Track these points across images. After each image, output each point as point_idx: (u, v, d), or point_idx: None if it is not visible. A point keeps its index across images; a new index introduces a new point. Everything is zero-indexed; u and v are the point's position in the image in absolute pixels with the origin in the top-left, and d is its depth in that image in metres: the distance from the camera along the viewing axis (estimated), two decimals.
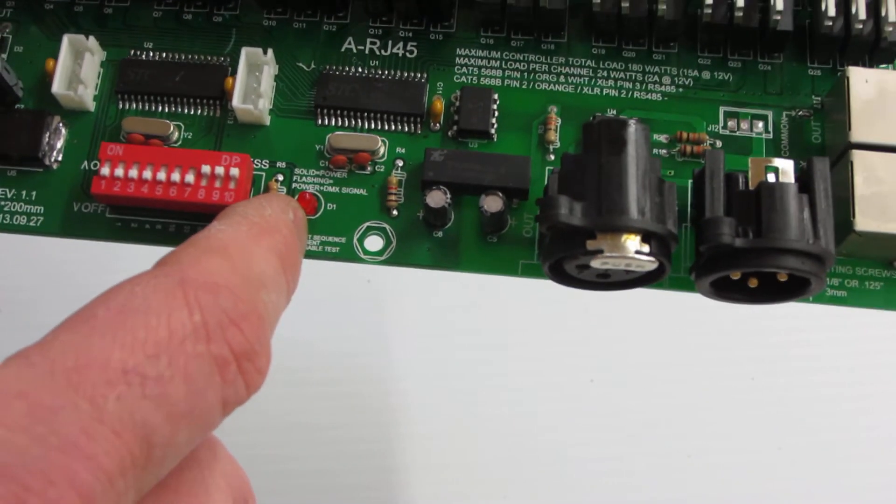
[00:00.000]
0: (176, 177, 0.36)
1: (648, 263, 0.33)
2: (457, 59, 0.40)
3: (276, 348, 0.30)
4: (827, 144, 0.39)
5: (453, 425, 0.60)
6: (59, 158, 0.38)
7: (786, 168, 0.35)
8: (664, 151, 0.38)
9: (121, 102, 0.39)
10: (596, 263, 0.33)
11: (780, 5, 0.37)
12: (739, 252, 0.33)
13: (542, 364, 0.60)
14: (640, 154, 0.33)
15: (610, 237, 0.32)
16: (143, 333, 0.26)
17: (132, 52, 0.40)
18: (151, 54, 0.40)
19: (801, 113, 0.39)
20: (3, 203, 0.38)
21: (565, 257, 0.34)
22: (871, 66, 0.40)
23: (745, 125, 0.39)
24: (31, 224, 0.38)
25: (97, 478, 0.24)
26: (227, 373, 0.27)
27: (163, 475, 0.27)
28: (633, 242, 0.32)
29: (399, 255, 0.37)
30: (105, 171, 0.36)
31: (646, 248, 0.32)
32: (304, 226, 0.36)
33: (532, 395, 0.60)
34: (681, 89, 0.39)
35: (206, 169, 0.36)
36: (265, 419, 0.59)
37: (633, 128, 0.33)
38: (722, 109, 0.39)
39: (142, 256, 0.32)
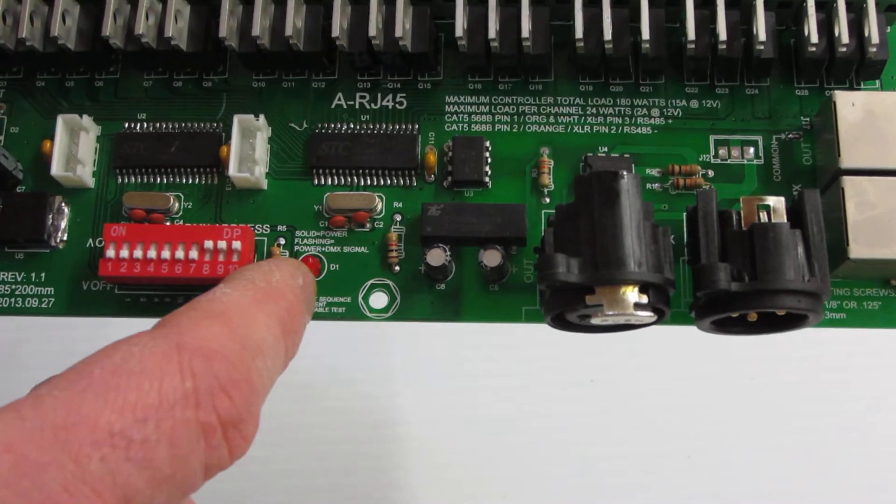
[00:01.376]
0: (180, 254, 0.37)
1: (648, 318, 0.33)
2: (446, 106, 0.40)
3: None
4: (818, 165, 0.39)
5: (453, 425, 0.60)
6: (65, 238, 0.39)
7: (777, 206, 0.35)
8: (657, 185, 0.39)
9: (119, 177, 0.40)
10: (597, 321, 0.33)
11: (762, 35, 0.37)
12: (736, 295, 0.34)
13: (543, 364, 0.61)
14: (633, 204, 0.34)
15: (608, 291, 0.33)
16: (135, 396, 0.27)
17: (126, 124, 0.40)
18: (145, 125, 0.40)
19: (790, 135, 0.39)
20: (14, 287, 0.39)
21: (566, 311, 0.34)
22: (857, 82, 0.40)
23: (735, 152, 0.39)
24: (44, 306, 0.39)
25: None
26: (213, 439, 0.28)
27: None
28: (631, 294, 0.33)
29: (403, 311, 0.38)
30: (110, 252, 0.37)
31: (644, 299, 0.33)
32: (313, 290, 0.37)
33: (532, 394, 0.61)
34: (670, 120, 0.40)
35: (208, 244, 0.37)
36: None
37: (624, 179, 0.34)
38: (712, 138, 0.39)
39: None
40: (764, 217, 0.35)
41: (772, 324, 0.36)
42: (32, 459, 0.24)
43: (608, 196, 0.34)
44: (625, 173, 0.34)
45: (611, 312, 0.33)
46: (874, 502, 0.58)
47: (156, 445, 0.27)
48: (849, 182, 0.36)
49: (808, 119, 0.40)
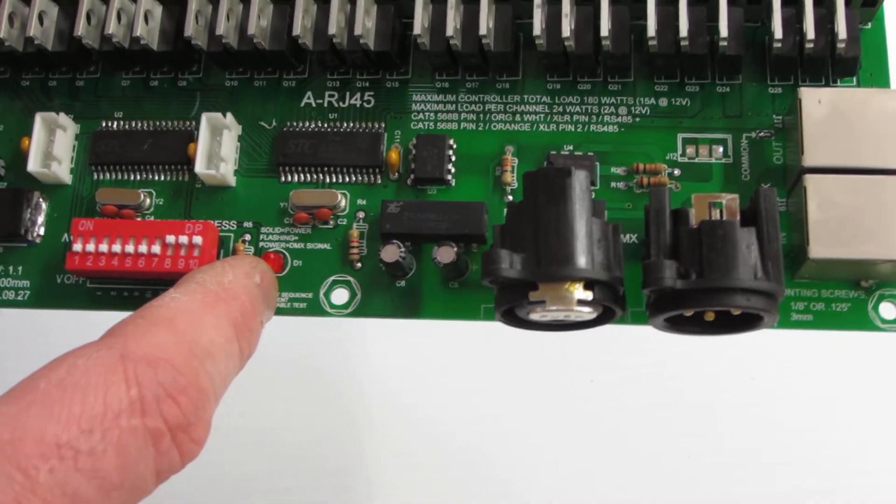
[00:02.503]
0: (143, 248, 0.37)
1: (587, 314, 0.33)
2: (413, 105, 0.40)
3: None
4: (788, 164, 0.38)
5: (454, 425, 0.60)
6: (41, 233, 0.40)
7: (730, 204, 0.34)
8: (621, 184, 0.38)
9: (95, 174, 0.41)
10: (536, 316, 0.33)
11: (724, 31, 0.37)
12: (683, 293, 0.33)
13: (543, 364, 0.61)
14: (581, 201, 0.33)
15: (551, 287, 0.33)
16: (80, 408, 0.27)
17: (104, 123, 0.41)
18: (122, 123, 0.41)
19: (761, 134, 0.39)
20: None
21: (514, 307, 0.34)
22: (833, 80, 0.39)
23: (704, 151, 0.39)
24: (20, 299, 0.40)
25: None
26: (161, 444, 0.29)
27: None
28: (577, 291, 0.33)
29: (363, 308, 0.38)
30: (77, 246, 0.38)
31: (589, 296, 0.33)
32: (272, 287, 0.37)
33: (532, 394, 0.61)
34: (637, 119, 0.39)
35: (170, 239, 0.37)
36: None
37: (572, 176, 0.33)
38: (680, 137, 0.39)
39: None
40: (716, 215, 0.34)
41: (728, 324, 0.35)
42: None
43: (555, 192, 0.33)
44: (573, 170, 0.33)
45: (552, 308, 0.32)
46: (874, 502, 0.57)
47: (103, 455, 0.27)
48: (811, 180, 0.35)
49: (780, 117, 0.39)
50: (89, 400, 0.28)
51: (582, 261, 0.33)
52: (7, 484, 0.25)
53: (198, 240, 0.37)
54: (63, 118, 0.40)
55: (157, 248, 0.37)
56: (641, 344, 0.59)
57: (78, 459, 0.27)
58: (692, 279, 0.33)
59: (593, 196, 0.37)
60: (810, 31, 0.36)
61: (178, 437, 0.29)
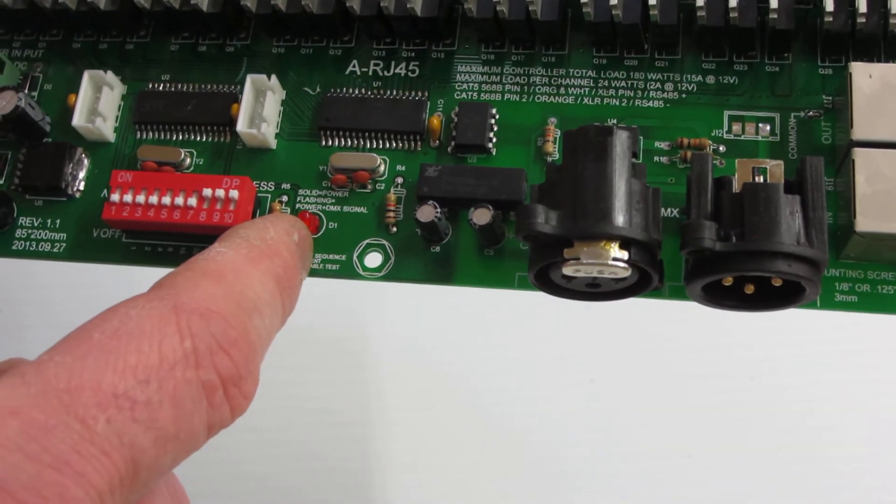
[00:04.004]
0: (180, 201, 0.37)
1: (622, 270, 0.32)
2: (458, 76, 0.40)
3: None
4: (836, 144, 0.37)
5: (453, 424, 0.60)
6: (81, 188, 0.40)
7: (774, 170, 0.34)
8: (665, 159, 0.38)
9: (139, 132, 0.41)
10: (569, 270, 0.32)
11: (774, 3, 0.36)
12: (722, 256, 0.32)
13: (543, 364, 0.60)
14: (620, 160, 0.33)
15: (587, 245, 0.32)
16: (135, 358, 0.27)
17: (150, 84, 0.42)
18: (168, 86, 0.41)
19: (810, 114, 0.38)
20: (30, 231, 0.40)
21: (548, 266, 0.34)
22: (885, 61, 0.38)
23: (750, 129, 0.38)
24: (55, 251, 0.40)
25: (87, 494, 0.25)
26: (214, 398, 0.29)
27: (145, 493, 0.28)
28: (612, 250, 0.32)
29: (396, 271, 0.38)
30: (115, 197, 0.38)
31: (625, 255, 0.32)
32: (309, 247, 0.37)
33: (532, 394, 0.60)
34: (684, 95, 0.39)
35: (207, 192, 0.37)
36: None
37: (613, 134, 0.33)
38: (727, 114, 0.38)
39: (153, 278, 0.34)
40: (759, 179, 0.34)
41: (768, 299, 0.34)
42: (40, 423, 0.25)
43: (596, 150, 0.33)
44: (615, 129, 0.33)
45: (587, 261, 0.32)
46: (874, 502, 0.55)
47: (159, 406, 0.27)
48: (860, 154, 0.34)
49: (829, 98, 0.38)
50: (144, 350, 0.27)
51: (620, 219, 0.32)
52: (66, 433, 0.25)
53: (234, 194, 0.37)
54: (111, 76, 0.41)
55: (193, 201, 0.37)
56: (641, 344, 0.59)
57: (135, 410, 0.26)
58: (732, 241, 0.32)
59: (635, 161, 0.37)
60: (862, 5, 0.36)
61: (229, 390, 0.29)
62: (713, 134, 0.38)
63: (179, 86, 0.41)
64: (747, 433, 0.57)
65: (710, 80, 0.39)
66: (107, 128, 0.41)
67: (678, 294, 0.36)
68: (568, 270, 0.32)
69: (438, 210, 0.36)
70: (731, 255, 0.32)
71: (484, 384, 0.60)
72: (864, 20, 0.36)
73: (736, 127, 0.38)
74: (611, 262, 0.31)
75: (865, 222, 0.34)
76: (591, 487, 0.57)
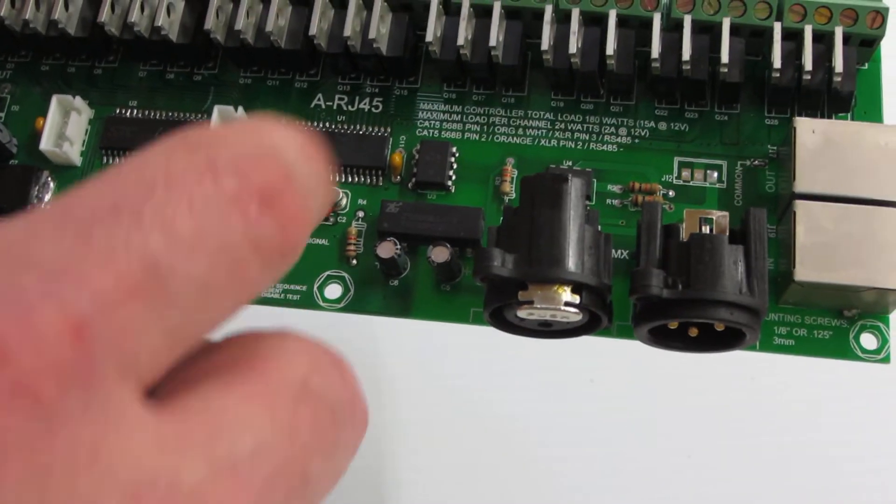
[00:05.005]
0: None
1: (573, 315, 0.34)
2: (420, 113, 0.41)
3: None
4: (779, 194, 0.39)
5: (452, 424, 0.60)
6: None
7: (720, 220, 0.35)
8: (617, 202, 0.39)
9: (105, 157, 0.42)
10: (523, 313, 0.34)
11: (725, 58, 0.38)
12: (668, 302, 0.34)
13: (541, 364, 0.61)
14: (576, 207, 0.34)
15: (541, 288, 0.33)
16: (140, 173, 0.21)
17: (117, 110, 0.42)
18: (135, 112, 0.42)
19: (755, 162, 0.40)
20: None
21: (502, 307, 0.35)
22: (828, 115, 0.40)
23: (698, 175, 0.40)
24: None
25: (90, 300, 0.19)
26: (242, 201, 0.21)
27: (200, 320, 0.22)
28: (564, 294, 0.33)
29: (356, 304, 0.39)
30: None
31: (577, 299, 0.33)
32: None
33: (532, 394, 0.60)
34: (636, 140, 0.40)
35: None
36: None
37: (567, 183, 0.34)
38: (676, 160, 0.40)
39: None
40: (706, 229, 0.35)
41: (711, 341, 0.36)
42: (19, 239, 0.19)
43: (550, 197, 0.34)
44: (569, 176, 0.34)
45: (540, 306, 0.33)
46: (874, 502, 0.56)
47: (172, 207, 0.16)
48: (801, 206, 0.36)
49: (775, 148, 0.40)
50: (154, 162, 0.20)
51: (572, 264, 0.33)
52: (55, 243, 0.19)
53: None
54: (79, 101, 0.42)
55: None
56: (641, 343, 0.60)
57: (140, 217, 0.17)
58: (678, 289, 0.34)
59: (589, 206, 0.38)
60: (808, 62, 0.38)
61: (266, 200, 0.20)
62: (664, 179, 0.40)
63: (147, 112, 0.42)
64: (747, 433, 0.58)
65: (663, 126, 0.40)
66: (73, 152, 0.41)
67: (626, 333, 0.38)
68: (522, 314, 0.34)
69: (398, 247, 0.38)
70: (676, 303, 0.34)
71: (481, 383, 0.60)
72: (809, 77, 0.38)
73: (685, 173, 0.40)
74: (562, 308, 0.33)
75: (804, 272, 0.36)
76: (591, 487, 0.58)
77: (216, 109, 0.40)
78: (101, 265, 0.19)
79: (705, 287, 0.33)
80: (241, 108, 0.41)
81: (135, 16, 0.40)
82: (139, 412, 0.18)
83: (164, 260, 0.20)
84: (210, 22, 0.40)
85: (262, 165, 0.22)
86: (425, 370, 0.62)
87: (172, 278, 0.20)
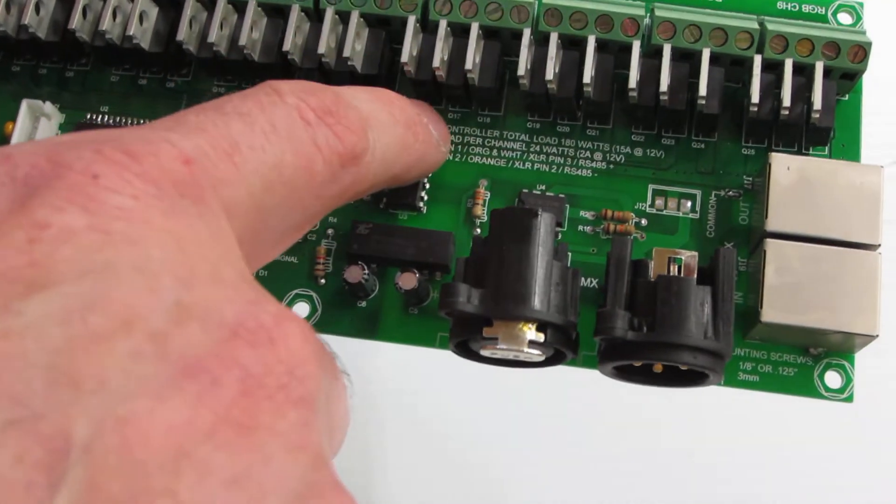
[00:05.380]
0: None
1: (537, 357, 0.33)
2: None
3: None
4: (752, 226, 0.39)
5: (451, 424, 0.60)
6: None
7: (689, 261, 0.35)
8: (589, 228, 0.39)
9: None
10: (486, 353, 0.34)
11: (703, 90, 0.37)
12: (633, 344, 0.34)
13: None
14: (544, 243, 0.34)
15: (504, 325, 0.33)
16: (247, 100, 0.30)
17: (88, 115, 0.42)
18: (106, 118, 0.42)
19: (730, 193, 0.39)
20: None
21: (467, 340, 0.35)
22: (806, 148, 0.40)
23: (672, 204, 0.39)
24: None
25: (194, 147, 0.26)
26: (304, 112, 0.30)
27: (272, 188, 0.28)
28: (529, 332, 0.33)
29: (323, 324, 0.39)
30: None
31: (541, 338, 0.33)
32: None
33: (531, 394, 0.61)
34: (611, 165, 0.40)
35: None
36: None
37: (537, 218, 0.34)
38: (650, 187, 0.39)
39: None
40: (674, 270, 0.35)
41: (675, 378, 0.36)
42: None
43: (519, 232, 0.34)
44: (540, 211, 0.34)
45: (503, 346, 0.33)
46: (875, 502, 0.57)
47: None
48: (772, 245, 0.36)
49: (750, 179, 0.39)
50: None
51: (538, 302, 0.33)
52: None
53: None
54: (49, 107, 0.41)
55: None
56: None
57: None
58: (643, 332, 0.34)
59: (559, 238, 0.38)
60: (787, 98, 0.37)
61: (326, 118, 0.31)
62: (637, 207, 0.39)
63: (119, 119, 0.42)
64: (747, 433, 0.58)
65: (639, 151, 0.40)
66: None
67: (592, 363, 0.38)
68: (486, 353, 0.34)
69: (366, 271, 0.37)
70: (640, 345, 0.34)
71: (480, 383, 0.60)
72: (787, 112, 0.37)
73: (659, 202, 0.39)
74: (526, 350, 0.33)
75: (771, 313, 0.36)
76: (591, 487, 0.58)
77: None
78: (210, 130, 0.26)
79: (670, 330, 0.33)
80: None
81: (106, 24, 0.39)
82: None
83: (244, 140, 0.27)
84: (183, 33, 0.39)
85: (321, 94, 0.31)
86: (390, 390, 0.62)
87: (251, 152, 0.27)
